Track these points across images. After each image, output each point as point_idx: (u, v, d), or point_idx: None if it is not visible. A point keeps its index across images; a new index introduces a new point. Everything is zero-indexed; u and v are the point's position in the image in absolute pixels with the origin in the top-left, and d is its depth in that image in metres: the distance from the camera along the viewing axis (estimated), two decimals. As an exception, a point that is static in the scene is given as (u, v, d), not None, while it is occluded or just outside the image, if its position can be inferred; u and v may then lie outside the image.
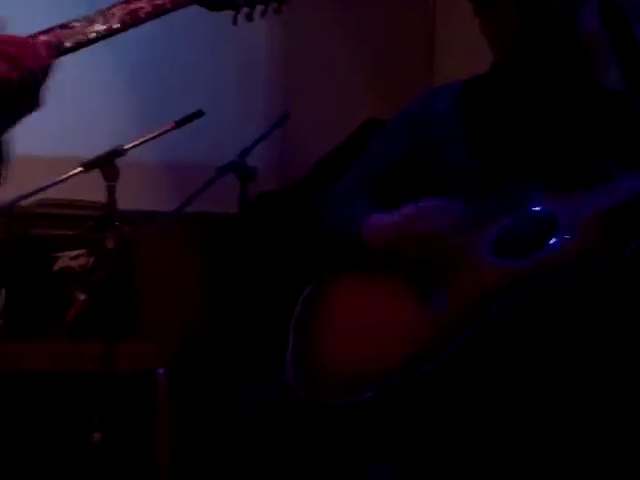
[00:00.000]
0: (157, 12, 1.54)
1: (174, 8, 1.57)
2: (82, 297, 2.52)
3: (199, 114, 2.67)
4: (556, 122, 1.78)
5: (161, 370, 2.81)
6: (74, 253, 2.84)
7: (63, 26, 1.45)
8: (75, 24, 1.47)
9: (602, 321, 1.62)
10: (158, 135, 2.60)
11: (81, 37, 1.45)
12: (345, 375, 1.68)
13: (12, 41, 1.37)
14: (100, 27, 1.47)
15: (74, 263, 2.84)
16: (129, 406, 2.77)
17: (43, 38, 1.42)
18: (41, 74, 1.40)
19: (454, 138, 1.81)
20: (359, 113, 3.37)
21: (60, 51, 1.44)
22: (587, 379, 1.61)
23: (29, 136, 2.86)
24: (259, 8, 1.68)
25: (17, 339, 2.80)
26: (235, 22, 1.68)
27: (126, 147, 2.50)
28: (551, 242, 1.63)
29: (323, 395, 1.68)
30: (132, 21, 1.50)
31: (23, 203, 2.61)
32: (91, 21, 1.48)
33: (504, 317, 1.58)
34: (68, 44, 1.44)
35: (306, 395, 1.69)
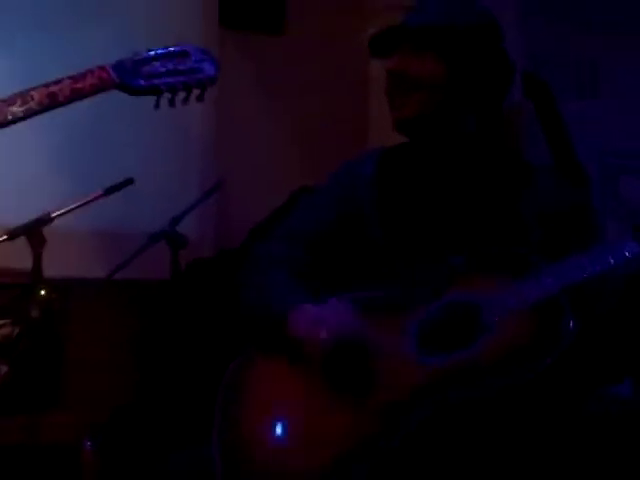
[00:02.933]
0: (76, 96, 1.55)
1: (93, 92, 1.59)
2: (4, 369, 2.46)
3: (129, 182, 2.68)
4: (471, 197, 1.76)
5: (88, 442, 2.76)
6: (-1, 322, 2.79)
7: None
8: None
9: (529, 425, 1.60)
10: (86, 203, 2.60)
11: None
12: (268, 470, 1.63)
13: None
14: (18, 109, 1.48)
15: (-2, 333, 2.79)
16: (56, 478, 2.71)
17: None
18: None
19: (369, 206, 1.80)
20: (292, 179, 3.38)
21: None
22: None
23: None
24: (181, 94, 1.69)
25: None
26: (157, 106, 1.69)
27: (53, 215, 2.49)
28: (476, 341, 1.58)
29: None
30: (51, 104, 1.51)
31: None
32: (10, 102, 1.48)
33: (430, 420, 1.55)
34: None
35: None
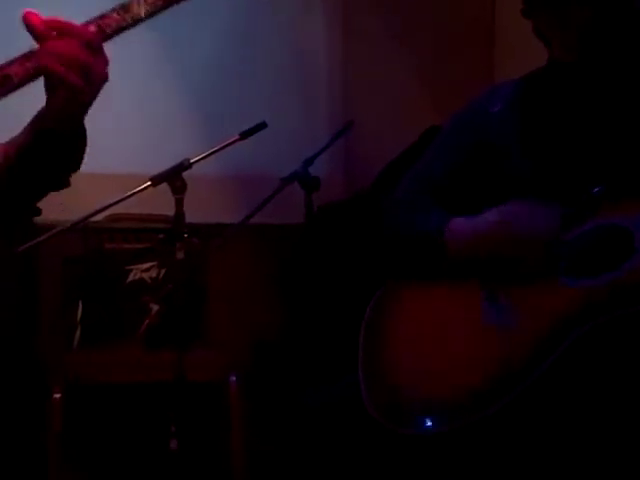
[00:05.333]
0: None
1: None
2: (155, 308, 2.57)
3: (262, 126, 2.71)
4: (618, 123, 1.71)
5: (233, 377, 2.86)
6: (146, 265, 2.91)
7: (102, 17, 1.46)
8: (111, 14, 1.47)
9: None
10: (223, 147, 2.64)
11: (122, 22, 1.46)
12: (421, 398, 1.63)
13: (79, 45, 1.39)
14: (134, 12, 1.47)
15: (146, 275, 2.91)
16: (203, 413, 2.81)
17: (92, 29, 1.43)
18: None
19: (508, 139, 1.78)
20: (422, 119, 3.38)
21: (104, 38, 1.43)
22: None
23: (100, 155, 2.95)
24: None
25: (93, 351, 2.88)
26: None
27: (192, 161, 2.54)
28: (627, 263, 1.53)
29: (399, 423, 1.62)
30: (164, 3, 1.48)
31: (96, 218, 2.67)
32: (126, 8, 1.48)
33: (586, 341, 1.51)
34: (109, 31, 1.45)
35: (383, 420, 1.64)
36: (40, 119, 1.47)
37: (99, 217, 2.69)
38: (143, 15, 1.43)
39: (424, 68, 3.81)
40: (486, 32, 3.86)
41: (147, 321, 2.59)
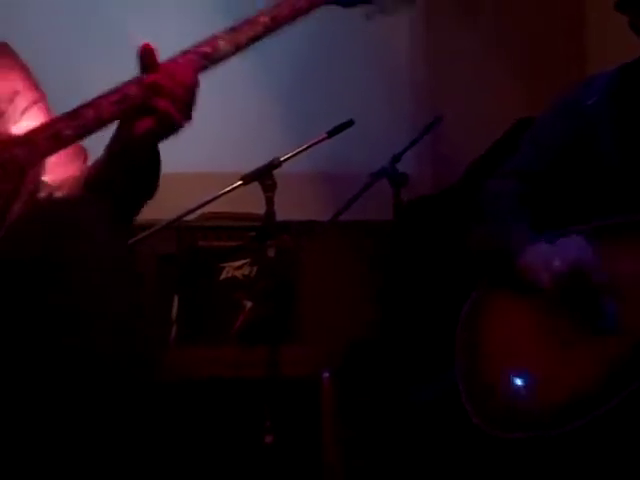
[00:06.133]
0: (295, 15, 1.58)
1: (310, 9, 1.60)
2: (249, 305, 2.60)
3: (350, 123, 2.73)
4: None
5: (326, 373, 2.87)
6: (238, 263, 2.95)
7: (214, 37, 1.51)
8: (223, 35, 1.53)
9: None
10: (311, 145, 2.67)
11: (231, 44, 1.51)
12: (509, 405, 1.63)
13: (166, 73, 1.44)
14: (246, 34, 1.52)
15: (238, 273, 2.95)
16: (296, 409, 2.84)
17: (190, 57, 1.48)
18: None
19: (602, 131, 1.77)
20: (510, 112, 3.34)
21: (208, 64, 1.50)
22: None
23: (191, 154, 3.01)
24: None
25: (189, 347, 2.93)
26: (369, 17, 1.69)
27: (282, 159, 2.58)
28: None
29: (502, 428, 1.63)
30: (274, 25, 1.54)
31: (189, 217, 2.73)
32: (238, 30, 1.53)
33: None
34: (218, 54, 1.50)
35: (486, 428, 1.64)
36: (118, 141, 1.50)
37: (192, 216, 2.75)
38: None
39: (513, 61, 3.77)
40: (577, 23, 3.79)
41: (242, 317, 2.62)
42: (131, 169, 1.50)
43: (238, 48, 1.50)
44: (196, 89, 1.45)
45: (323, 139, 2.69)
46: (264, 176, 2.54)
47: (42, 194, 1.55)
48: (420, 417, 2.35)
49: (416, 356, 2.77)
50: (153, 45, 1.44)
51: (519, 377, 1.66)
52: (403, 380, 2.75)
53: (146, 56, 1.44)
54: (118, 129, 1.48)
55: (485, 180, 1.93)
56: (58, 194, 1.59)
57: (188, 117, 1.44)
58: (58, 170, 1.54)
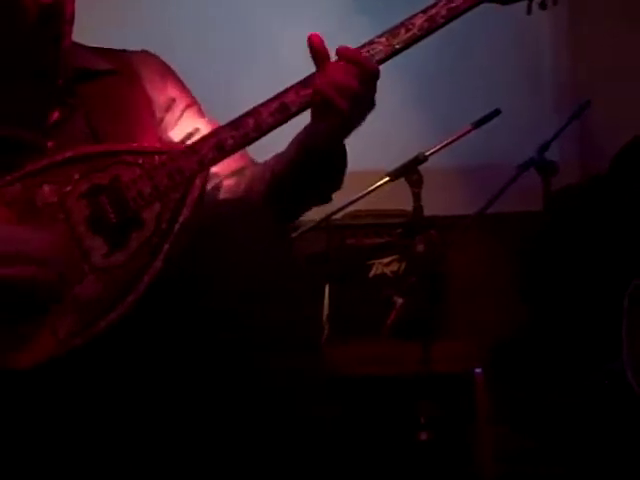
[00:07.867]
0: (452, 16, 1.57)
1: (467, 9, 1.60)
2: (400, 301, 2.60)
3: (496, 113, 2.68)
4: None
5: (478, 369, 2.83)
6: (387, 259, 2.95)
7: (371, 42, 1.53)
8: (380, 39, 1.54)
9: None
10: (457, 138, 2.64)
11: (388, 48, 1.52)
12: None
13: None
14: (401, 38, 1.54)
15: (387, 269, 2.95)
16: (449, 405, 2.81)
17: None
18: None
19: None
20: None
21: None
22: None
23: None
24: None
25: (342, 345, 2.95)
26: (529, 12, 1.67)
27: (427, 153, 2.56)
28: None
29: None
30: (431, 26, 1.55)
31: (338, 216, 2.75)
32: (394, 34, 1.54)
33: None
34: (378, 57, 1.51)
35: None
36: (310, 137, 1.53)
37: (340, 214, 2.77)
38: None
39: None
40: None
41: (394, 314, 2.62)
42: (326, 163, 1.54)
43: (394, 52, 1.52)
44: (361, 87, 1.46)
45: (469, 131, 2.67)
46: (410, 171, 2.53)
47: (209, 186, 1.59)
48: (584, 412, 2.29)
49: (570, 350, 2.70)
50: (317, 34, 1.47)
51: None
52: (548, 377, 2.69)
53: (316, 46, 1.46)
54: (314, 127, 1.51)
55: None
56: (224, 185, 1.63)
57: (357, 109, 1.45)
58: (228, 160, 1.57)
